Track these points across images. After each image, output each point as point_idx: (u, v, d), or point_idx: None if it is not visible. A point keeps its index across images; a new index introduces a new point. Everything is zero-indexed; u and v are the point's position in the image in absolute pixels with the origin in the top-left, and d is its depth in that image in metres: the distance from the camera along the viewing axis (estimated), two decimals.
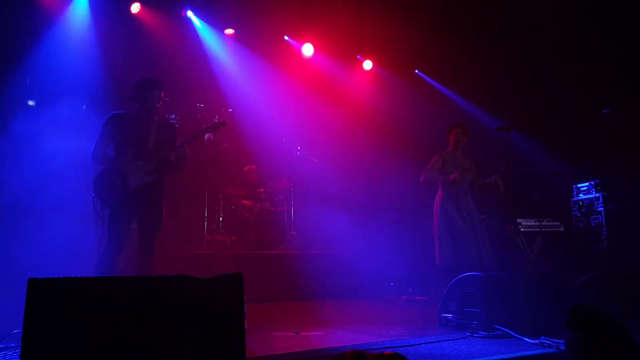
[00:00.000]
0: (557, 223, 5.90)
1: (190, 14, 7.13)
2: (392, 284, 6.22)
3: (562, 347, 2.61)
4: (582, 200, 5.93)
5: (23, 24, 5.72)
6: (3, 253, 3.88)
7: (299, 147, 7.65)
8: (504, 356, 2.75)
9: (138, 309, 1.93)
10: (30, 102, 5.78)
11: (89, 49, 6.17)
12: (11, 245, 3.83)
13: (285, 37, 7.85)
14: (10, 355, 2.66)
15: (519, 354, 2.81)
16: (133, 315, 1.92)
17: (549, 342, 2.93)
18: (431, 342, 3.14)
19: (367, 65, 8.27)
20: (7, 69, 5.58)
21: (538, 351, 2.86)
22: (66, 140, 5.03)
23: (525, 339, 3.11)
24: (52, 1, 6.10)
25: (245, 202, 7.05)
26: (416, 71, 8.25)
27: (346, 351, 1.11)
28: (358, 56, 8.24)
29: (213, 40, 7.35)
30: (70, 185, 4.36)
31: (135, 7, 6.56)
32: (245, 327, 2.15)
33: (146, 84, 3.78)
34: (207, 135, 6.76)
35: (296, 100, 7.74)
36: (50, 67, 5.69)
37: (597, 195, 5.77)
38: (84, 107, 6.25)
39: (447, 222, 4.88)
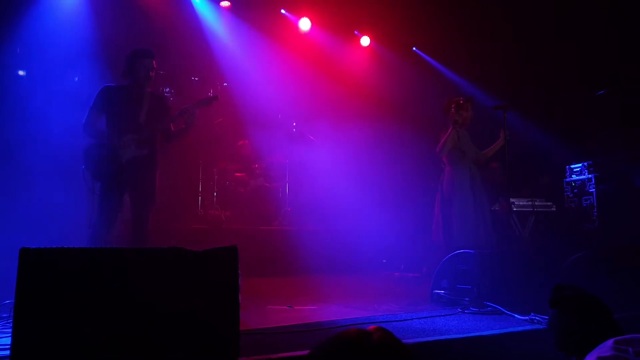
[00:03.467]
0: (550, 203, 5.94)
1: None
2: (384, 260, 6.28)
3: None
4: (575, 181, 5.96)
5: None
6: None
7: (294, 124, 7.60)
8: (494, 331, 2.80)
9: (132, 280, 1.93)
10: (21, 72, 5.68)
11: (81, 19, 6.04)
12: (2, 216, 3.81)
13: (282, 11, 7.71)
14: (3, 326, 2.67)
15: (509, 329, 2.86)
16: (127, 286, 1.92)
17: (538, 318, 2.98)
18: (423, 317, 3.19)
19: (365, 41, 8.17)
20: None
21: (527, 327, 2.91)
22: (57, 112, 4.97)
23: (516, 315, 3.16)
24: None
25: (239, 175, 7.03)
26: (414, 48, 8.16)
27: (350, 329, 1.09)
28: (355, 32, 8.13)
29: (209, 13, 7.21)
30: (61, 157, 4.31)
31: None
32: (240, 301, 2.16)
33: (137, 54, 3.73)
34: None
35: (292, 75, 7.65)
36: (41, 37, 5.57)
37: (590, 176, 5.80)
38: (76, 79, 6.16)
39: (458, 200, 4.68)
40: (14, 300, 1.86)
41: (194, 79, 7.42)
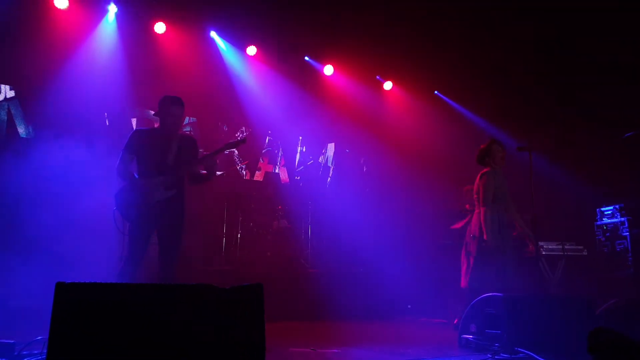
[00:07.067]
0: (580, 247, 5.76)
1: (213, 34, 7.30)
2: (409, 306, 6.13)
3: None
4: (607, 224, 5.80)
5: (52, 46, 5.94)
6: (29, 260, 3.98)
7: (311, 157, 7.70)
8: None
9: (161, 316, 1.95)
10: None
11: (115, 68, 6.35)
12: (36, 254, 3.92)
13: (306, 58, 7.95)
14: None
15: None
16: (157, 322, 1.94)
17: None
18: None
19: (387, 85, 8.34)
20: (36, 87, 5.81)
21: None
22: (90, 156, 5.19)
23: None
24: (80, 23, 6.32)
25: (262, 218, 7.07)
26: (435, 92, 8.27)
27: None
28: (378, 77, 8.32)
29: (236, 60, 7.50)
30: (94, 199, 4.46)
31: (160, 28, 6.74)
32: None
33: (167, 101, 3.87)
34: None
35: (316, 119, 7.82)
36: (77, 84, 5.87)
37: (622, 219, 5.64)
38: (107, 124, 6.44)
39: (487, 243, 4.49)
40: (47, 337, 1.90)
41: (224, 127, 7.66)
